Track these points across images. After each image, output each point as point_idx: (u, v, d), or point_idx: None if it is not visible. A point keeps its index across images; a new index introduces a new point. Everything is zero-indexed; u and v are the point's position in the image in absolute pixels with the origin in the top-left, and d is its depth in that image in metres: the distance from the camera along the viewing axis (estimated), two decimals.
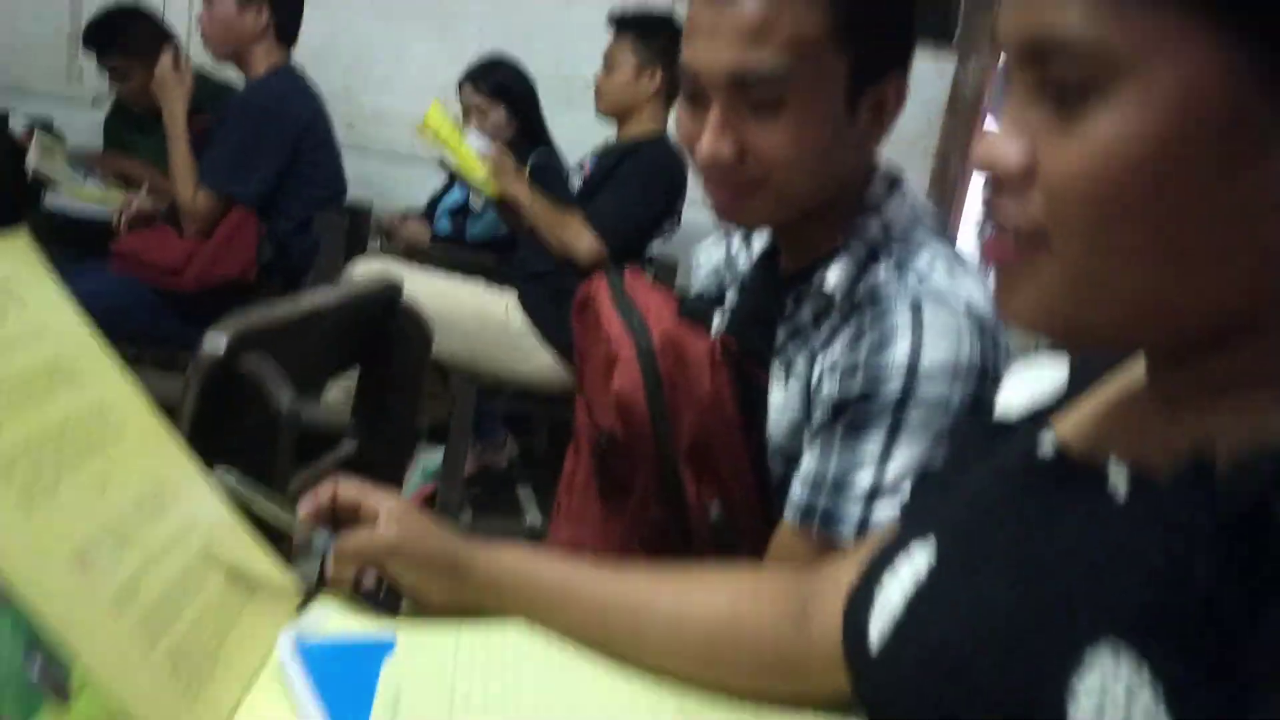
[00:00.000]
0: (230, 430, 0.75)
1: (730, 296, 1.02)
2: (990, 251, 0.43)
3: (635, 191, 2.11)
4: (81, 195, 2.34)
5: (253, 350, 0.77)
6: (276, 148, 2.16)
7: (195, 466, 0.66)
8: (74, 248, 2.34)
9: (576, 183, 2.33)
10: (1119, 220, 0.38)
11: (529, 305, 2.14)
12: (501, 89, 2.58)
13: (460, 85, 2.62)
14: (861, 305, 0.80)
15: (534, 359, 2.12)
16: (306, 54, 3.11)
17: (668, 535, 0.89)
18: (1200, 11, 0.35)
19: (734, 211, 0.85)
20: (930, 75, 2.91)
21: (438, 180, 2.98)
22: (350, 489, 0.68)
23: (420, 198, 2.92)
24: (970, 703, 0.40)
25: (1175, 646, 0.34)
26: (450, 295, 2.11)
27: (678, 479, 0.87)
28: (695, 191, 0.96)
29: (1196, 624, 0.34)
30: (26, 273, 0.62)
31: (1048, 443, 0.47)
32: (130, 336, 2.11)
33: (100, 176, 2.56)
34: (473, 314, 2.10)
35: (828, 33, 0.77)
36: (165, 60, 2.18)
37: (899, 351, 0.76)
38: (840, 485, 0.77)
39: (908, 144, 0.78)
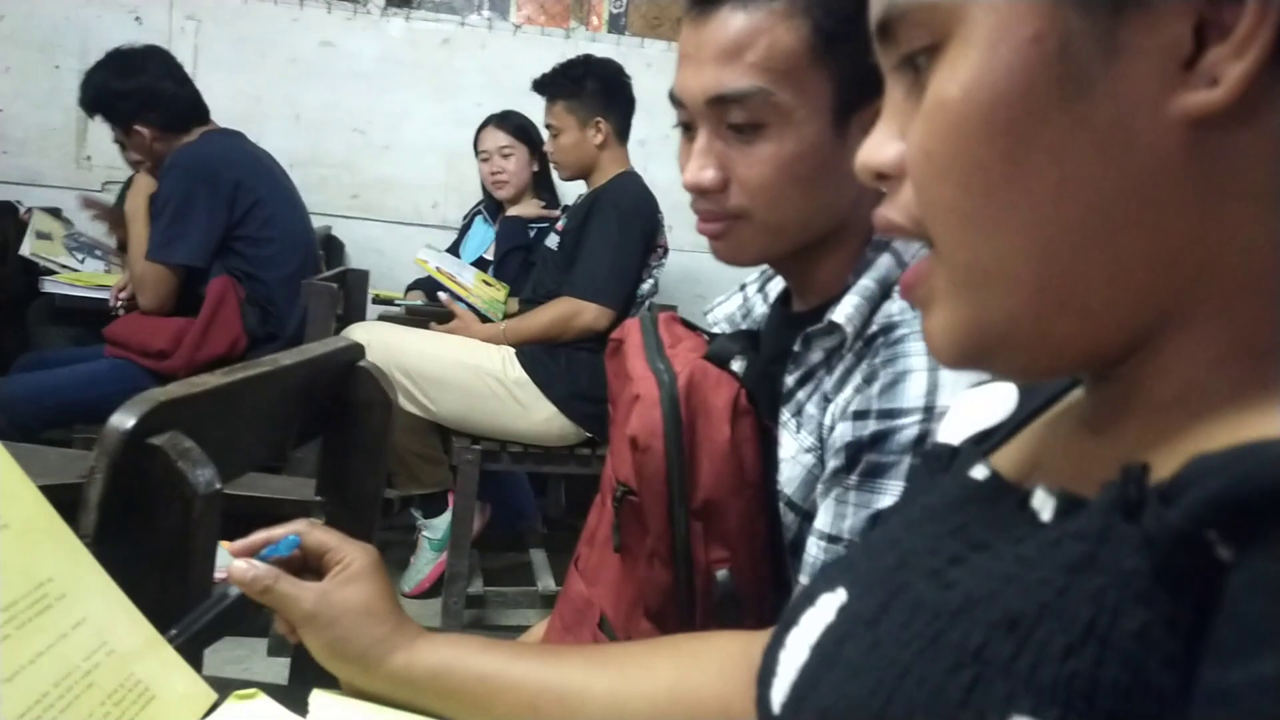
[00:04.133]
0: (146, 516, 0.70)
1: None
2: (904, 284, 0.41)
3: (613, 235, 2.10)
4: (78, 280, 2.35)
5: (170, 427, 0.72)
6: (208, 206, 2.13)
7: (90, 557, 0.61)
8: (75, 329, 2.34)
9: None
10: (980, 186, 0.35)
11: (526, 358, 2.09)
12: (522, 131, 2.64)
13: (482, 130, 2.71)
14: (874, 342, 0.74)
15: (534, 413, 2.07)
16: (308, 125, 3.16)
17: (672, 601, 0.81)
18: None
19: (723, 245, 0.81)
20: None
21: (442, 244, 2.98)
22: (319, 534, 0.64)
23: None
24: None
25: None
26: (445, 354, 2.08)
27: (687, 538, 0.80)
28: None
29: (1125, 697, 0.28)
30: None
31: (980, 468, 0.42)
32: None
33: (103, 256, 2.56)
34: (469, 370, 2.06)
35: (807, 51, 0.73)
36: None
37: (914, 389, 0.69)
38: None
39: None
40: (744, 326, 0.98)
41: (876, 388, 0.71)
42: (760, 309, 0.97)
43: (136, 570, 0.62)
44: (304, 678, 0.63)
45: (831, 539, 0.73)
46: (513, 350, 2.12)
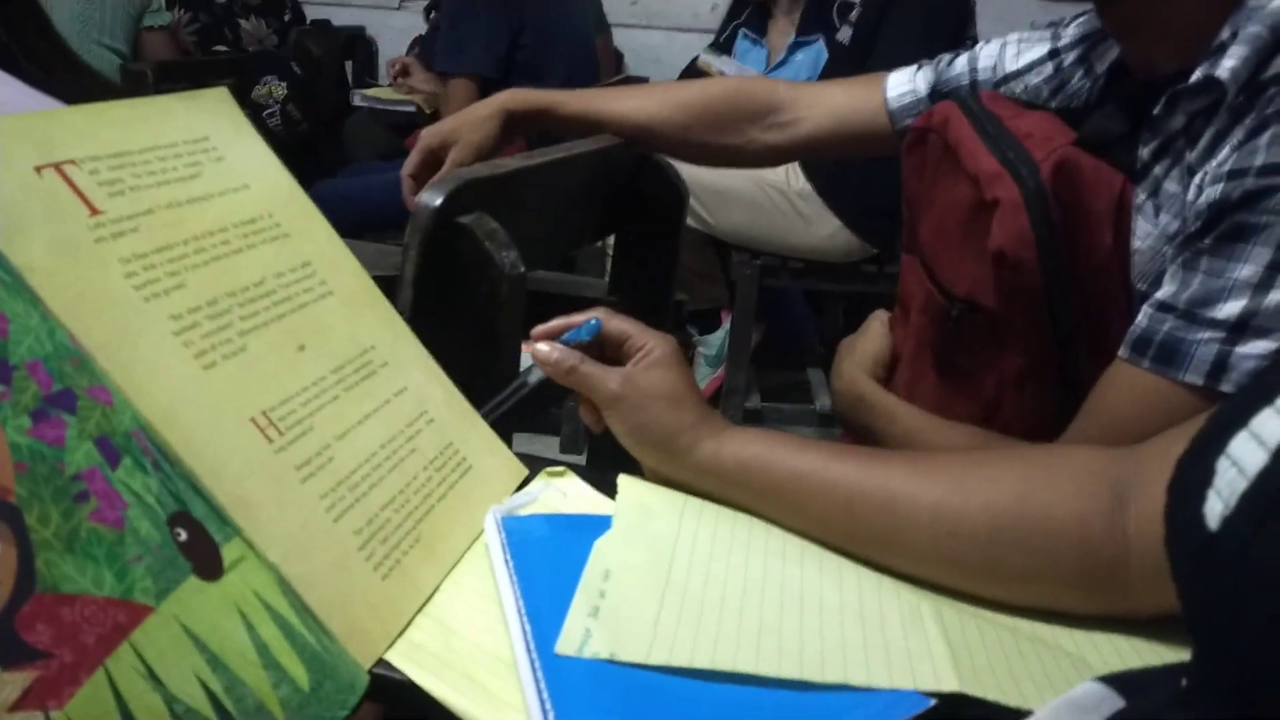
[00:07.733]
0: (456, 297, 0.71)
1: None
2: None
3: (915, 25, 1.86)
4: (381, 94, 2.47)
5: (476, 209, 0.71)
6: (490, 15, 2.14)
7: (409, 331, 0.61)
8: (384, 141, 2.49)
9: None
10: None
11: (811, 168, 1.97)
12: None
13: None
14: (1262, 95, 0.60)
15: (818, 227, 1.97)
16: None
17: (1055, 425, 0.72)
18: None
19: None
20: None
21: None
22: (619, 321, 0.62)
23: None
24: None
25: None
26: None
27: (1069, 359, 0.71)
28: None
29: None
30: (227, 127, 0.58)
31: None
32: None
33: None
34: (751, 181, 1.97)
35: None
36: None
37: None
38: (1194, 311, 0.60)
39: None
40: (1053, 104, 0.82)
41: (1263, 140, 0.58)
42: (1079, 81, 0.81)
43: (448, 350, 0.62)
44: (599, 472, 0.62)
45: (1164, 307, 0.62)
46: (797, 161, 2.00)
